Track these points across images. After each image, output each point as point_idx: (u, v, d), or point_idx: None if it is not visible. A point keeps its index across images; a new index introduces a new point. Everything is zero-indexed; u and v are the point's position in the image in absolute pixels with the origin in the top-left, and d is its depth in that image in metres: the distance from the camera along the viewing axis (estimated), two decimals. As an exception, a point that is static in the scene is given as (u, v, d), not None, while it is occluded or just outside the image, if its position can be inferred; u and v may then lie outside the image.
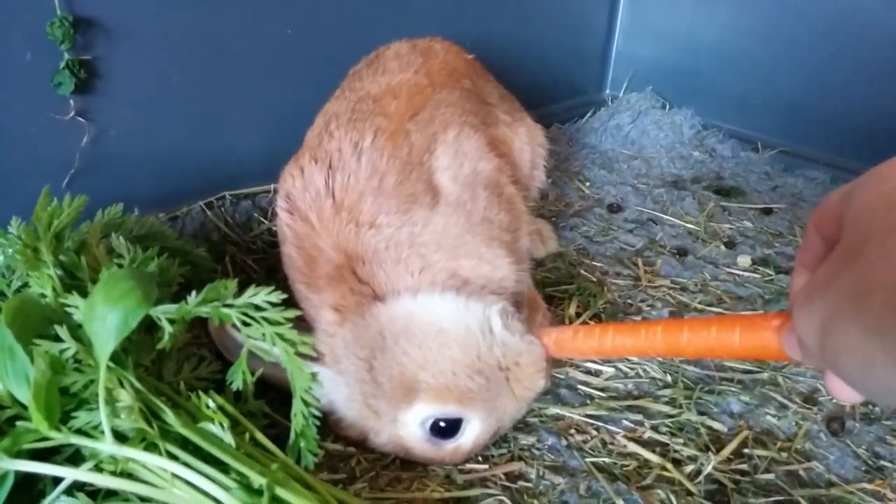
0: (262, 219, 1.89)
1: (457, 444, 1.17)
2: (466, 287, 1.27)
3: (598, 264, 1.90)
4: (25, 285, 1.14)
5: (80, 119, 1.58)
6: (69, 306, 1.03)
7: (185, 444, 0.98)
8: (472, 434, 1.17)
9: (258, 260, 1.77)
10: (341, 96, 1.54)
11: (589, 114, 2.98)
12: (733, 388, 1.41)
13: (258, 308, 1.07)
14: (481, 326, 1.18)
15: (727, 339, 0.90)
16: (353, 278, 1.23)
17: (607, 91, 3.19)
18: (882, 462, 1.24)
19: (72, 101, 1.55)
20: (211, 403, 1.03)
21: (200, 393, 1.04)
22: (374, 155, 1.31)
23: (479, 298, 1.24)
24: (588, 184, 2.44)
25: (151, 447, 0.95)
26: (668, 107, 2.96)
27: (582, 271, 1.86)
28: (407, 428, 1.15)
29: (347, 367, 1.18)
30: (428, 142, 1.39)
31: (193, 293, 1.05)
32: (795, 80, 2.60)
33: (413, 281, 1.24)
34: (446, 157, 1.38)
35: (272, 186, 1.95)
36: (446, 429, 1.15)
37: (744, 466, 1.22)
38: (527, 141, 1.79)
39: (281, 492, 0.94)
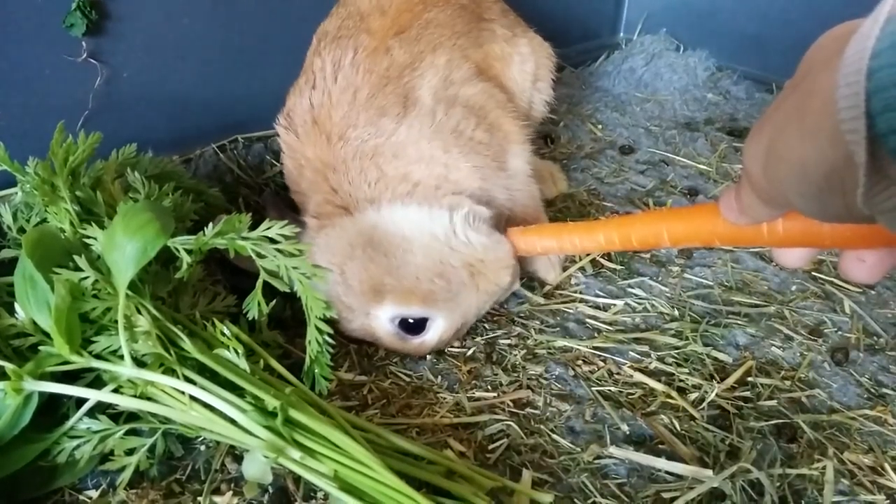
0: (275, 161, 1.90)
1: (422, 339, 1.29)
2: (419, 189, 1.33)
3: (609, 205, 1.91)
4: (44, 220, 1.17)
5: (93, 61, 1.59)
6: (88, 237, 1.06)
7: (202, 370, 1.01)
8: (437, 331, 1.29)
9: (271, 201, 1.78)
10: (335, 13, 1.57)
11: (602, 57, 2.95)
12: (739, 322, 1.42)
13: (272, 241, 1.10)
14: (445, 232, 1.27)
15: (674, 226, 0.98)
16: (326, 186, 1.33)
17: (621, 34, 3.15)
18: (884, 390, 1.26)
19: (84, 43, 1.56)
20: (226, 331, 1.06)
21: (216, 321, 1.07)
22: (351, 71, 1.36)
23: (441, 203, 1.31)
24: (601, 126, 2.43)
25: (169, 372, 0.99)
26: (682, 49, 2.92)
27: (592, 211, 1.87)
28: (378, 321, 1.27)
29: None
30: (412, 59, 1.41)
31: (210, 225, 1.08)
32: (811, 21, 2.54)
33: (369, 191, 1.32)
34: (434, 78, 1.41)
35: (284, 129, 1.96)
36: (414, 325, 1.27)
37: (747, 394, 1.24)
38: (529, 53, 1.77)
39: (295, 414, 0.97)
